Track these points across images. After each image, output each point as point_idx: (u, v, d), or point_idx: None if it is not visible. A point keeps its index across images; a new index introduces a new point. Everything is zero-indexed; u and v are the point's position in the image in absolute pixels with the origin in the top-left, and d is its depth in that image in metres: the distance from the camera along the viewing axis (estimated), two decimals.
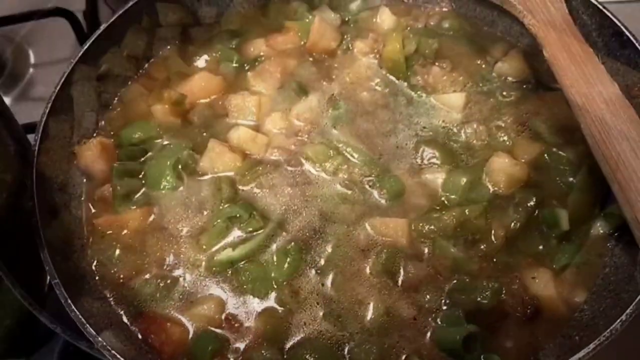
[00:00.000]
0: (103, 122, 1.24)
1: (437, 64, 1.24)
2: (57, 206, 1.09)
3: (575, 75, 1.05)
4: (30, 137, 1.12)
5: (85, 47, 1.19)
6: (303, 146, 1.17)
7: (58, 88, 1.14)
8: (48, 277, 0.95)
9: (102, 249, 1.09)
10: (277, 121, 1.20)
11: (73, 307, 0.92)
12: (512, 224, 1.05)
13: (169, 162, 1.14)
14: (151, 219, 1.11)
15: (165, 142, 1.19)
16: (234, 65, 1.29)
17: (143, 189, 1.14)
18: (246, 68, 1.29)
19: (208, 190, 1.13)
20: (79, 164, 1.15)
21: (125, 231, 1.10)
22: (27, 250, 1.02)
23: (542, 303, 0.99)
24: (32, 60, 1.72)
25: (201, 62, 1.32)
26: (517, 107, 1.20)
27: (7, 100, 1.61)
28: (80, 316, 0.91)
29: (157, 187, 1.13)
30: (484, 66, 1.25)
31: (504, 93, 1.22)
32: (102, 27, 1.22)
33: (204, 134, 1.19)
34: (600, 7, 1.14)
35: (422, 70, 1.24)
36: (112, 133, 1.22)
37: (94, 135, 1.22)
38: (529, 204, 1.07)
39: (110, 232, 1.10)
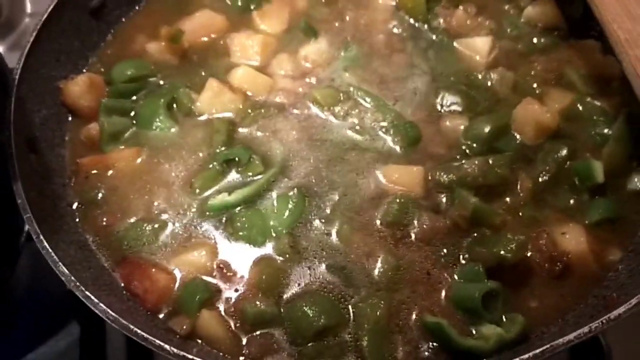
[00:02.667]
0: (94, 59, 1.14)
1: (461, 7, 1.14)
2: (36, 140, 0.99)
3: (617, 10, 0.94)
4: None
5: None
6: (310, 89, 1.07)
7: (46, 15, 1.04)
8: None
9: (85, 189, 0.99)
10: (283, 62, 1.10)
11: (45, 243, 0.82)
12: (541, 175, 0.95)
13: (162, 101, 1.05)
14: (140, 160, 1.01)
15: (161, 82, 1.10)
16: (239, 3, 1.19)
17: (133, 129, 1.05)
18: (252, 7, 1.19)
19: (204, 132, 1.03)
20: (65, 99, 1.06)
21: (111, 172, 1.00)
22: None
23: (572, 260, 0.88)
24: (28, 9, 1.63)
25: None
26: (548, 54, 1.09)
27: (1, 48, 1.53)
28: (52, 254, 0.82)
29: (148, 127, 1.04)
30: (512, 11, 1.15)
31: (534, 40, 1.11)
32: None
33: (203, 73, 1.10)
34: None
35: (444, 12, 1.14)
36: (102, 70, 1.12)
37: (83, 71, 1.12)
38: (559, 155, 0.96)
39: (95, 172, 1.00)
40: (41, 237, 0.83)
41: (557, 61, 1.08)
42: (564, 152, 0.96)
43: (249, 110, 1.05)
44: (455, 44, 1.12)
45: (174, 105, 1.06)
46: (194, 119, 1.05)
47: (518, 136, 1.00)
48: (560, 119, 1.00)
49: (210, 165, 0.99)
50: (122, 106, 1.06)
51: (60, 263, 0.82)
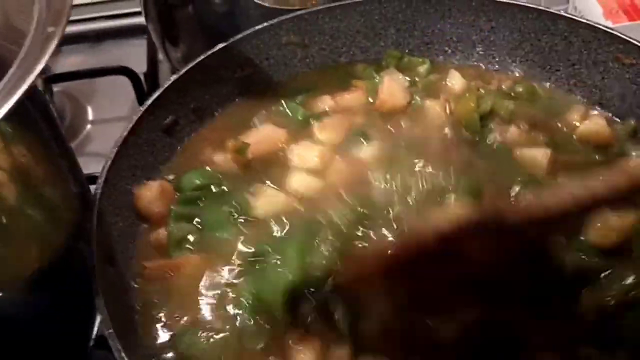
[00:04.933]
0: (165, 168, 1.21)
1: (513, 124, 1.20)
2: (113, 253, 1.03)
3: None
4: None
5: (155, 96, 1.18)
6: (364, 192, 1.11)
7: (125, 134, 1.11)
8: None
9: (149, 292, 1.02)
10: (339, 168, 1.16)
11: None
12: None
13: (224, 208, 1.10)
14: (205, 265, 1.04)
15: (224, 189, 1.15)
16: (299, 118, 1.27)
17: (199, 234, 1.09)
18: (311, 122, 1.25)
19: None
20: (136, 203, 1.11)
21: (176, 276, 1.03)
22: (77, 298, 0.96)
23: None
24: (90, 116, 1.73)
25: (266, 115, 1.29)
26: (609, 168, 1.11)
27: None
28: None
29: (212, 233, 1.08)
30: (565, 129, 1.20)
31: (590, 156, 1.16)
32: (173, 78, 1.21)
33: (264, 180, 1.15)
34: None
35: (499, 128, 1.19)
36: (172, 178, 1.18)
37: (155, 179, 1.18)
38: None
39: (161, 276, 1.03)
40: (122, 354, 0.84)
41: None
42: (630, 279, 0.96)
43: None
44: (514, 151, 1.16)
45: (235, 212, 1.10)
46: (254, 223, 1.08)
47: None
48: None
49: None
50: (189, 213, 1.11)
51: None
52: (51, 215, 0.92)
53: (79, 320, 1.00)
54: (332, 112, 1.27)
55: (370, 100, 1.29)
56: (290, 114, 1.28)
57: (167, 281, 1.03)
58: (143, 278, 1.04)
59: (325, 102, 1.30)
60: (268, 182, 1.14)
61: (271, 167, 1.18)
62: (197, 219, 1.10)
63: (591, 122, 1.20)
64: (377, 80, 1.32)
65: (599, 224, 1.00)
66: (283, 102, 1.30)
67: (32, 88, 0.74)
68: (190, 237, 1.08)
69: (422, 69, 1.35)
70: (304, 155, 1.18)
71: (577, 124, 1.20)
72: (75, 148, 1.63)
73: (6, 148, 0.80)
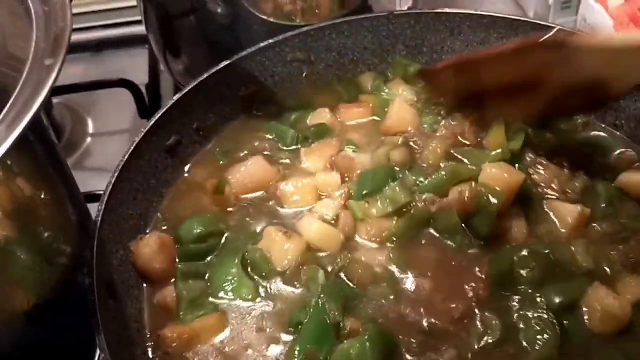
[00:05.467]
0: (159, 215, 1.13)
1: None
2: (114, 284, 0.99)
3: None
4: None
5: (157, 116, 1.14)
6: None
7: (127, 156, 1.07)
8: None
9: None
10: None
11: None
12: None
13: (236, 261, 1.00)
14: (227, 329, 0.96)
15: (228, 237, 1.07)
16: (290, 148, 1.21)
17: (209, 295, 0.99)
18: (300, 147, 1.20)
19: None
20: (135, 262, 1.02)
21: (196, 344, 0.94)
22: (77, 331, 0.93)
23: None
24: (90, 129, 1.70)
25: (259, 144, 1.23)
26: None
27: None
28: None
29: (223, 293, 0.99)
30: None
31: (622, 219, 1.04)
32: (176, 98, 1.18)
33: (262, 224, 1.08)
34: None
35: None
36: (165, 227, 1.10)
37: (151, 223, 1.12)
38: None
39: (178, 345, 0.93)
40: None
41: None
42: None
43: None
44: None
45: (248, 267, 1.01)
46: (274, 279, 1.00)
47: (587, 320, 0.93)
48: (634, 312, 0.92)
49: None
50: (197, 270, 1.02)
51: None
52: (49, 248, 0.89)
53: (80, 354, 0.96)
54: (329, 129, 1.23)
55: (377, 118, 1.25)
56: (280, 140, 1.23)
57: (188, 351, 0.93)
58: (159, 349, 0.94)
59: (323, 116, 1.25)
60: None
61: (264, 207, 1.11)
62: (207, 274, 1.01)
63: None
64: (386, 96, 1.28)
65: (598, 307, 0.92)
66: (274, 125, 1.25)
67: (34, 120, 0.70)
68: (203, 297, 0.98)
69: None
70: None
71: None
72: (74, 162, 1.60)
73: (3, 183, 0.77)
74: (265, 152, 1.21)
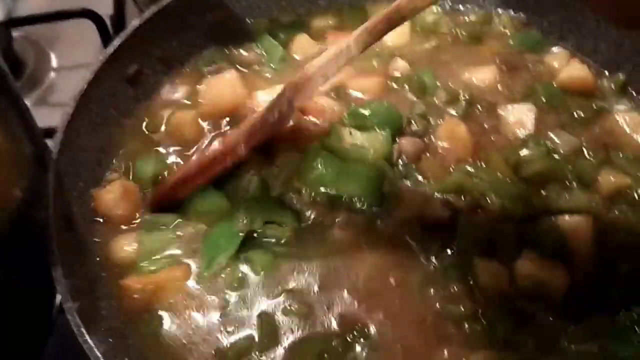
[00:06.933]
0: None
1: None
2: (72, 217, 0.95)
3: None
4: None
5: (116, 44, 1.08)
6: None
7: (86, 86, 1.02)
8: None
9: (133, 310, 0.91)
10: None
11: (87, 336, 0.78)
12: None
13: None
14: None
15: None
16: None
17: (176, 244, 0.95)
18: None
19: None
20: (97, 207, 0.98)
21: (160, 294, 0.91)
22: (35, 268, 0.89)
23: None
24: (53, 63, 1.62)
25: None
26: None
27: (26, 103, 1.51)
28: (94, 348, 0.77)
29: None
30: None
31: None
32: (136, 24, 1.11)
33: None
34: None
35: None
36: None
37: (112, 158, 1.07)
38: None
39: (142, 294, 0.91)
40: (82, 329, 0.78)
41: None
42: None
43: None
44: None
45: None
46: None
47: None
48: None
49: None
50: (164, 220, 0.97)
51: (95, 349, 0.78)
52: (2, 182, 0.84)
53: (39, 290, 0.93)
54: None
55: None
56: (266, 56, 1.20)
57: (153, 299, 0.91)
58: (123, 298, 0.91)
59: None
60: None
61: None
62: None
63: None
64: None
65: None
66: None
67: None
68: (166, 249, 0.94)
69: None
70: None
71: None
72: (38, 97, 1.54)
73: None
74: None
